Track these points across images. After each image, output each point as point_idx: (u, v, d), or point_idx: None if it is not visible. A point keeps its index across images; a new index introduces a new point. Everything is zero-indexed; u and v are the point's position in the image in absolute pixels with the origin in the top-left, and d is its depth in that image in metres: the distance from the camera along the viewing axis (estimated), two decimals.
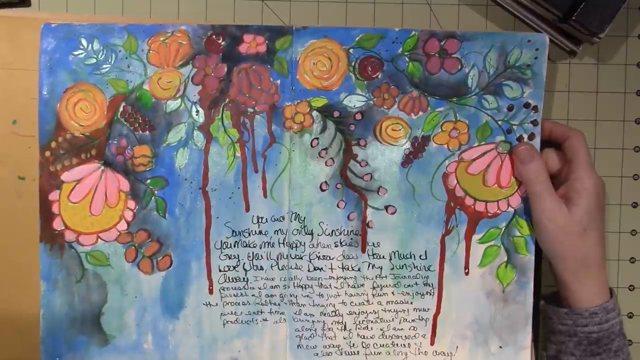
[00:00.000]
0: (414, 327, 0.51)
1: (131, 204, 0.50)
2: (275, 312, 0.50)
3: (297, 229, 0.50)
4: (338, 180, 0.50)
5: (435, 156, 0.50)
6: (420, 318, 0.51)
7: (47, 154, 0.49)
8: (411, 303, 0.50)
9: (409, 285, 0.50)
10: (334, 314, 0.50)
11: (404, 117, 0.50)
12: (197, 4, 0.53)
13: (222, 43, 0.49)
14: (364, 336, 0.51)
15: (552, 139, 0.50)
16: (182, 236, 0.50)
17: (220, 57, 0.49)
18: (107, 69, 0.49)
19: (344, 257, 0.50)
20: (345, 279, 0.50)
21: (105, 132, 0.50)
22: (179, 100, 0.50)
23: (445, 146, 0.50)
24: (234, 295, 0.50)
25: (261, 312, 0.50)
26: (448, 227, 0.50)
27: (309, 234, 0.50)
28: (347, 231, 0.50)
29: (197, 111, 0.50)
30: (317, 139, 0.50)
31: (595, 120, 0.54)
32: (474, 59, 0.49)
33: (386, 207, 0.50)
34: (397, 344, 0.51)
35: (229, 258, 0.50)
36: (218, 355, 0.50)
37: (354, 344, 0.51)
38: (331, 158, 0.50)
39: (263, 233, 0.50)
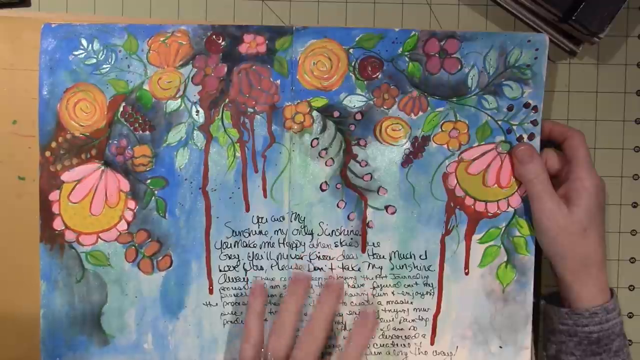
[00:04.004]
0: (414, 327, 0.51)
1: (131, 204, 0.50)
2: (275, 312, 0.50)
3: (297, 229, 0.50)
4: (338, 180, 0.50)
5: (435, 156, 0.50)
6: (420, 318, 0.51)
7: (47, 154, 0.49)
8: (411, 303, 0.50)
9: (409, 285, 0.50)
10: None
11: (404, 117, 0.50)
12: (197, 4, 0.53)
13: (222, 43, 0.49)
14: None
15: (551, 139, 0.50)
16: (182, 236, 0.50)
17: (220, 57, 0.49)
18: (107, 69, 0.49)
19: (344, 257, 0.50)
20: (345, 279, 0.50)
21: (105, 132, 0.50)
22: (179, 100, 0.50)
23: (445, 146, 0.50)
24: (234, 295, 0.50)
25: None
26: (448, 227, 0.50)
27: (309, 234, 0.50)
28: (347, 231, 0.50)
29: (197, 111, 0.50)
30: (317, 139, 0.50)
31: (595, 120, 0.54)
32: (473, 59, 0.49)
33: (386, 207, 0.50)
34: (397, 344, 0.51)
35: (229, 258, 0.50)
36: (218, 356, 0.50)
37: None
38: (331, 158, 0.50)
39: (263, 233, 0.50)
